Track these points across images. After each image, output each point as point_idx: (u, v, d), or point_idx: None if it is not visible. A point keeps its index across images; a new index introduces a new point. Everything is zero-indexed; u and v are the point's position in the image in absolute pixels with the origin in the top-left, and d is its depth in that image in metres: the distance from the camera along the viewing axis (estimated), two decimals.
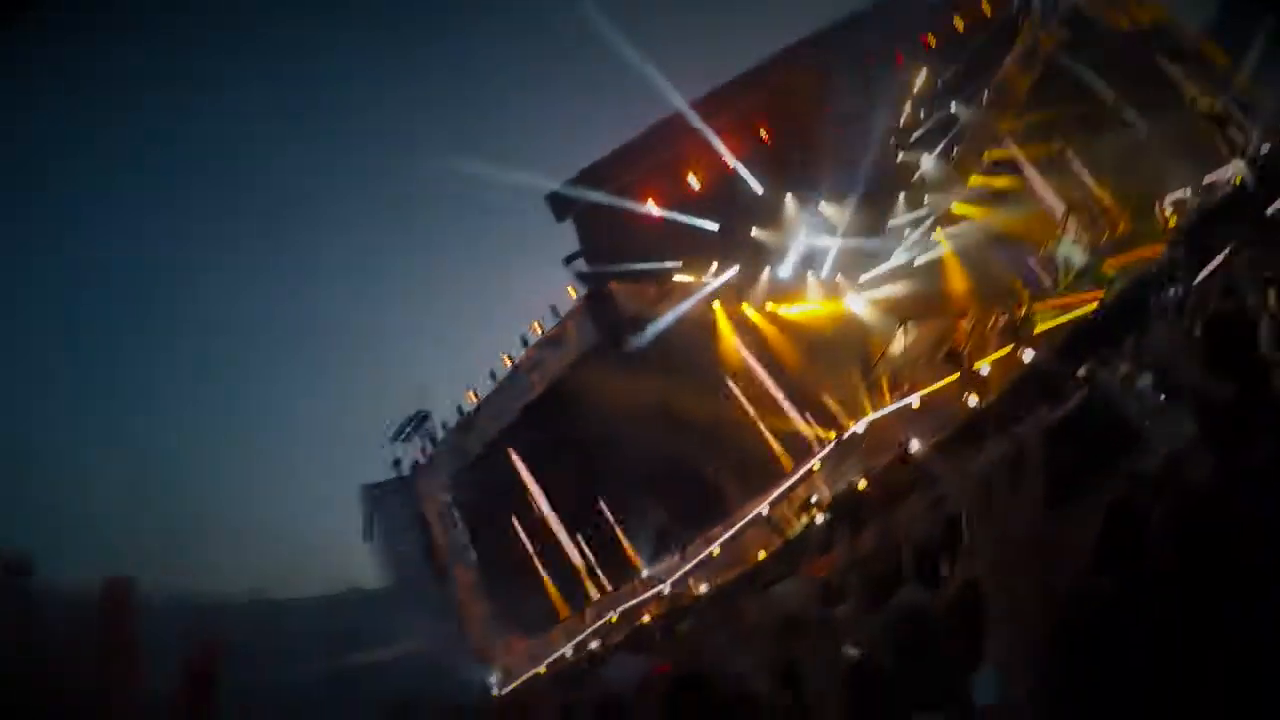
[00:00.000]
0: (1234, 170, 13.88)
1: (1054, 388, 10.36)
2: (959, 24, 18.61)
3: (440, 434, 21.96)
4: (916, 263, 19.20)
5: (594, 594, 18.57)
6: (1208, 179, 15.71)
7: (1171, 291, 10.67)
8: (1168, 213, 16.27)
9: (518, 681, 17.51)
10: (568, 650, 17.70)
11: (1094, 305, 14.50)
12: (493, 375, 20.33)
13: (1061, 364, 12.03)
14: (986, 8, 19.02)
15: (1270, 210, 9.45)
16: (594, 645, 17.15)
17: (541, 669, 17.51)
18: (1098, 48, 18.42)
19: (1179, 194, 16.20)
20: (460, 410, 21.18)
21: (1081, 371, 9.85)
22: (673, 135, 17.97)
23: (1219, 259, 8.82)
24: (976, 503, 0.78)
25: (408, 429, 23.54)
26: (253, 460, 26.87)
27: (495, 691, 17.65)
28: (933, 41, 18.56)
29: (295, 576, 21.72)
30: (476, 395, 20.69)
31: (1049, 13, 19.02)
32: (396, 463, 22.68)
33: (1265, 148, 13.69)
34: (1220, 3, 17.46)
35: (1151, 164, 17.44)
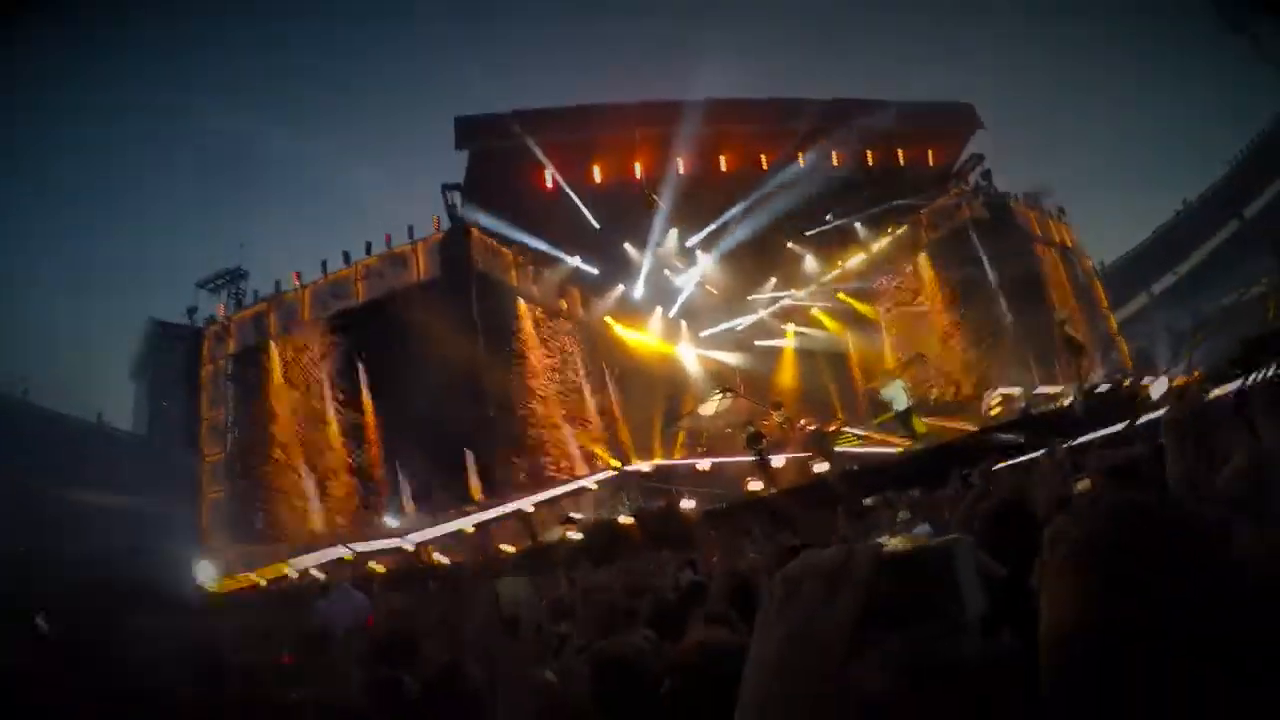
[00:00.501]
0: (1070, 393, 14.90)
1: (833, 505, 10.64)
2: (899, 156, 19.18)
3: (249, 299, 20.45)
4: (758, 342, 19.60)
5: (343, 522, 17.51)
6: (1040, 389, 16.93)
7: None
8: (994, 401, 17.33)
9: (231, 583, 16.47)
10: (293, 571, 16.72)
11: (898, 449, 15.33)
12: (324, 266, 19.08)
13: (849, 488, 12.35)
14: (931, 155, 19.69)
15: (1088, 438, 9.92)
16: (320, 575, 16.19)
17: (261, 580, 16.48)
18: (1005, 237, 19.54)
19: (1012, 390, 17.30)
20: (278, 285, 19.77)
21: (868, 501, 10.19)
22: (609, 123, 17.68)
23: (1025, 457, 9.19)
24: (778, 595, 0.72)
25: (219, 281, 21.97)
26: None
27: (202, 585, 16.42)
28: (870, 159, 19.01)
29: (51, 387, 19.78)
30: (299, 279, 19.35)
31: (980, 189, 20.04)
32: (192, 311, 21.00)
33: (1105, 386, 14.79)
34: None
35: (1000, 353, 18.67)
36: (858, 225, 20.08)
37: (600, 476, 16.37)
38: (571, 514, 15.92)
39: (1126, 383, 14.84)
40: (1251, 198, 34.52)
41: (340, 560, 16.35)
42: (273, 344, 19.03)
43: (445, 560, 15.78)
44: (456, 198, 17.87)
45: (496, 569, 14.13)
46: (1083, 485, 4.20)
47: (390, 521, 17.28)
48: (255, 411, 18.83)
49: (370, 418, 17.97)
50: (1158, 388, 13.20)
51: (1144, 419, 10.48)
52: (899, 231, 20.22)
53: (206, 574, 16.72)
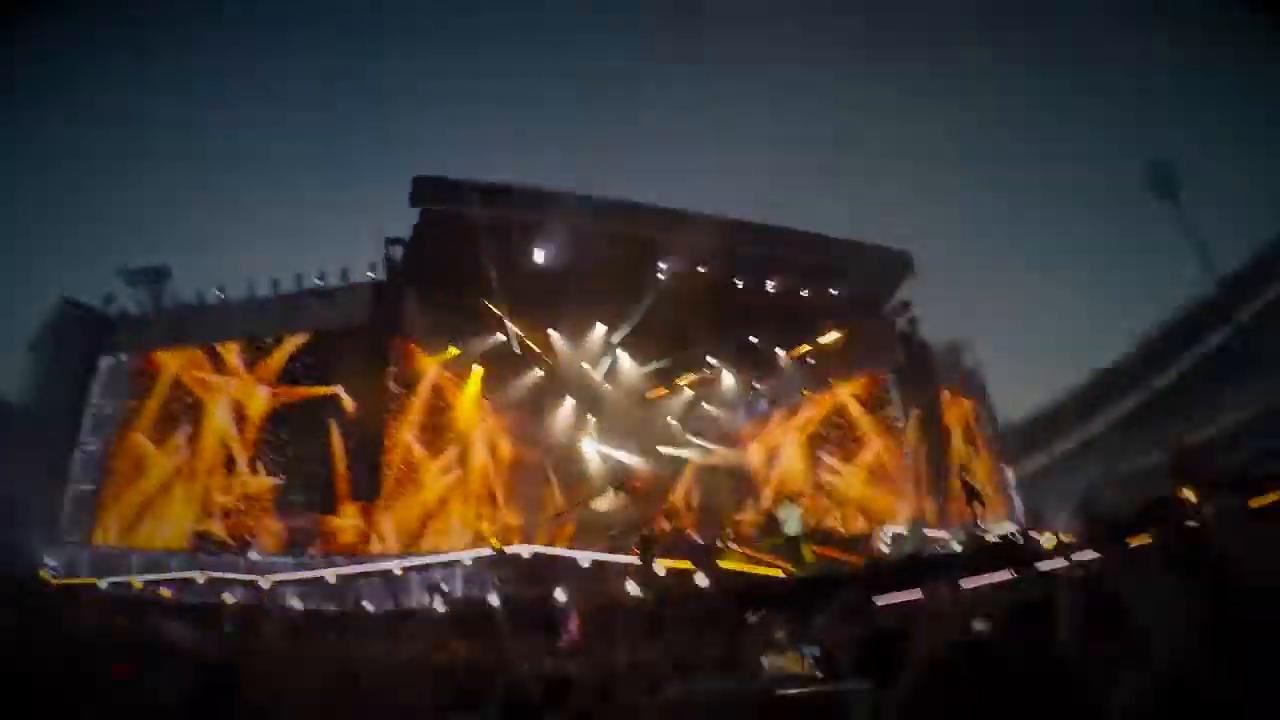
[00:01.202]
0: (960, 537, 15.46)
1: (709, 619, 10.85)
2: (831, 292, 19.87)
3: (167, 302, 20.02)
4: (660, 448, 19.87)
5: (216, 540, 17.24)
6: (930, 531, 17.52)
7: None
8: (884, 537, 17.81)
9: (77, 579, 16.01)
10: (140, 578, 16.17)
11: (779, 573, 15.45)
12: (250, 286, 18.85)
13: (727, 602, 12.52)
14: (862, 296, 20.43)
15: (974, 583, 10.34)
16: (165, 591, 15.66)
17: (104, 582, 15.84)
18: (920, 383, 20.30)
19: (903, 529, 17.84)
20: (199, 295, 19.43)
21: (751, 618, 10.36)
22: (561, 210, 17.96)
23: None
24: None
25: (142, 275, 21.43)
26: None
27: (50, 576, 16.05)
28: (803, 290, 19.64)
29: None
30: (223, 295, 19.07)
31: (903, 334, 20.82)
32: (109, 299, 20.43)
33: (996, 536, 15.32)
34: None
35: (899, 493, 19.32)
36: (778, 350, 20.67)
37: (477, 554, 16.31)
38: (442, 584, 15.81)
39: (1017, 535, 15.40)
40: (1158, 372, 36.52)
41: (191, 582, 15.95)
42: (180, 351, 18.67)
43: (299, 605, 15.55)
44: (397, 253, 17.92)
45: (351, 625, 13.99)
46: (981, 625, 4.43)
47: (253, 555, 16.94)
48: (145, 414, 18.36)
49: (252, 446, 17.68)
50: (1047, 542, 13.72)
51: (1035, 570, 11.02)
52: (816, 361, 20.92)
53: (56, 566, 16.27)
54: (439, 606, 14.85)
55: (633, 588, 15.09)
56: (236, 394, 18.21)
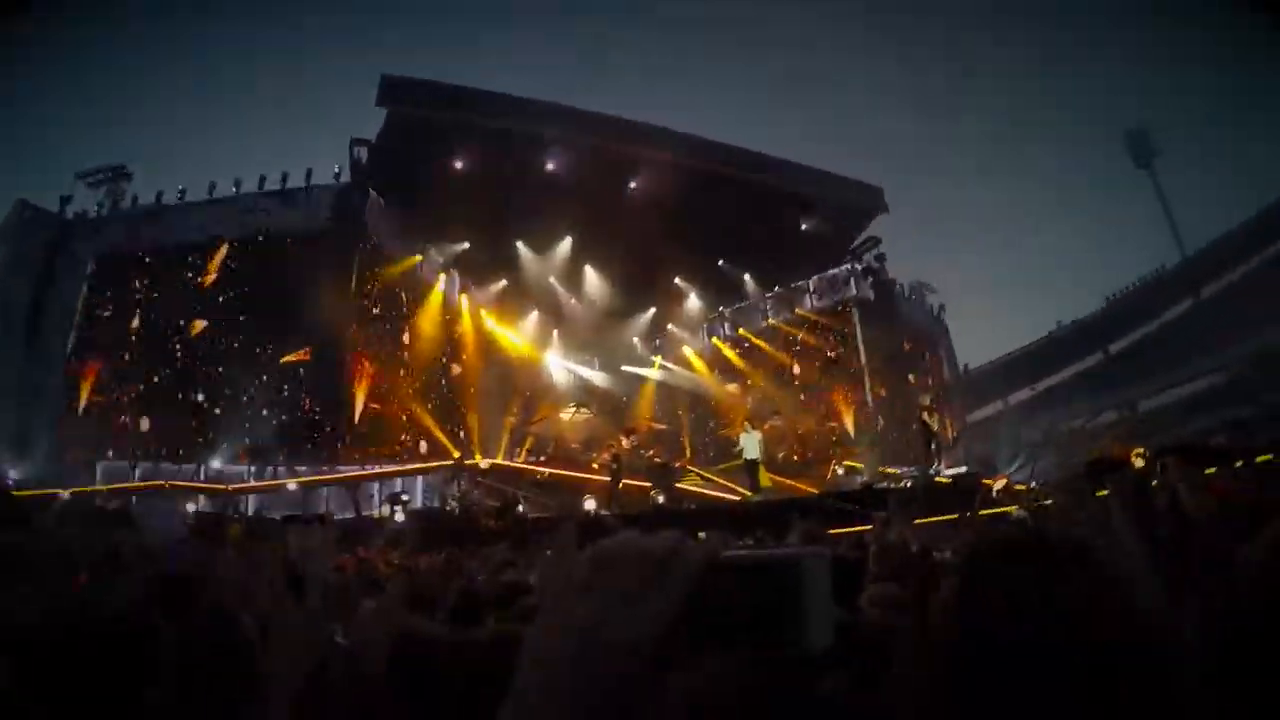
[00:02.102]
0: (913, 475, 15.71)
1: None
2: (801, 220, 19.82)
3: (127, 202, 19.50)
4: (624, 367, 19.87)
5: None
6: (885, 467, 17.77)
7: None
8: (839, 469, 18.04)
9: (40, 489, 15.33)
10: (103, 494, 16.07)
11: (738, 498, 15.72)
12: (211, 188, 18.41)
13: (683, 524, 12.62)
14: (833, 229, 20.42)
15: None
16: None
17: (66, 492, 15.76)
18: (884, 321, 20.42)
19: (858, 463, 18.08)
20: (159, 196, 18.94)
21: (702, 535, 10.49)
22: (529, 118, 17.68)
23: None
24: (580, 576, 0.58)
25: (100, 176, 20.87)
26: None
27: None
28: (774, 216, 19.57)
29: None
30: (184, 195, 18.62)
31: (871, 270, 20.88)
32: (66, 200, 19.85)
33: (948, 475, 15.57)
34: None
35: (856, 426, 19.53)
36: (746, 277, 20.69)
37: (436, 464, 16.30)
38: (401, 494, 15.83)
39: (969, 476, 15.67)
40: (1119, 335, 37.23)
41: (159, 489, 15.93)
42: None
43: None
44: (363, 154, 17.55)
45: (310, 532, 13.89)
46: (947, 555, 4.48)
47: (216, 464, 16.80)
48: (109, 321, 18.00)
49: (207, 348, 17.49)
50: (997, 486, 13.99)
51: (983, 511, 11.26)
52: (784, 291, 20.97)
53: (15, 481, 16.05)
54: (399, 516, 14.84)
55: (589, 502, 15.22)
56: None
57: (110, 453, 16.70)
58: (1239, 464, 7.35)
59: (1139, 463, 9.82)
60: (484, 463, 16.72)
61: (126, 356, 17.56)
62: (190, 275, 17.94)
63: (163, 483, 16.27)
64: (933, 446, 16.88)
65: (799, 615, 0.58)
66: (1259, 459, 7.59)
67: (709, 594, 0.58)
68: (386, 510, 15.24)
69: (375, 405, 17.16)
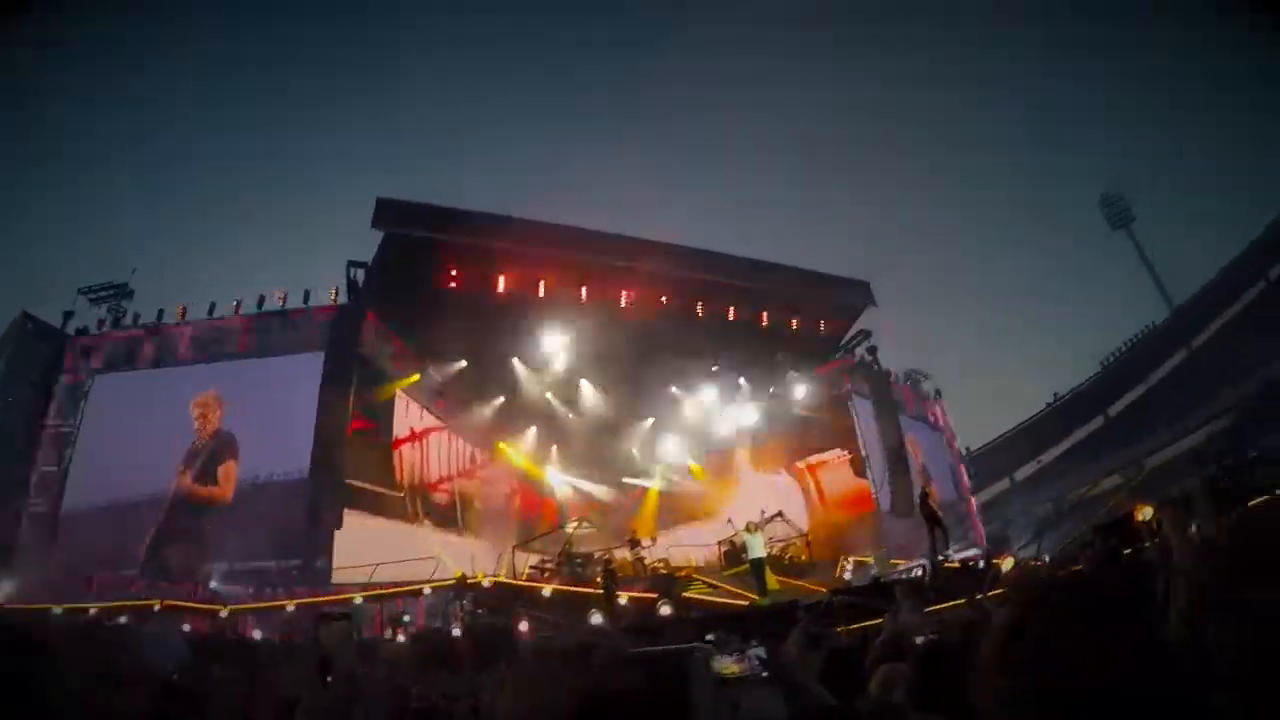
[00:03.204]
0: (922, 564, 15.64)
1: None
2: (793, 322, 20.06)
3: (129, 321, 19.80)
4: (625, 479, 19.87)
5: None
6: (893, 559, 17.66)
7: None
8: (848, 566, 17.91)
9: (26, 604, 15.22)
10: (94, 607, 15.91)
11: (746, 603, 15.39)
12: (211, 309, 18.71)
13: (691, 633, 12.49)
14: (823, 325, 20.66)
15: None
16: (122, 618, 15.37)
17: (59, 609, 15.65)
18: (881, 412, 20.50)
19: (866, 557, 17.97)
20: (160, 315, 19.23)
21: (709, 638, 10.38)
22: (522, 236, 17.97)
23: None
24: (521, 666, 0.76)
25: (102, 293, 21.25)
26: None
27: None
28: (765, 319, 19.81)
29: None
30: (184, 314, 18.89)
31: (864, 363, 21.06)
32: (69, 316, 20.17)
33: (957, 560, 15.53)
34: None
35: (860, 520, 19.46)
36: (741, 380, 20.85)
37: (436, 583, 16.20)
38: (404, 616, 15.66)
39: (978, 560, 15.59)
40: (1118, 396, 37.33)
41: (149, 611, 15.84)
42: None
43: (258, 635, 15.32)
44: (359, 275, 17.83)
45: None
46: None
47: (214, 585, 16.68)
48: (105, 437, 18.06)
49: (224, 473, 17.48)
50: (1008, 565, 13.90)
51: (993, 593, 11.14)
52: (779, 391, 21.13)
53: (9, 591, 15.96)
54: (400, 637, 14.68)
55: (596, 618, 15.07)
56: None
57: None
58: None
59: (1143, 517, 9.75)
60: (487, 581, 16.57)
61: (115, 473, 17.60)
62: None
63: (155, 602, 16.12)
64: (938, 532, 16.86)
65: (687, 700, 0.70)
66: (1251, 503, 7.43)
67: (618, 682, 0.70)
68: (388, 633, 15.10)
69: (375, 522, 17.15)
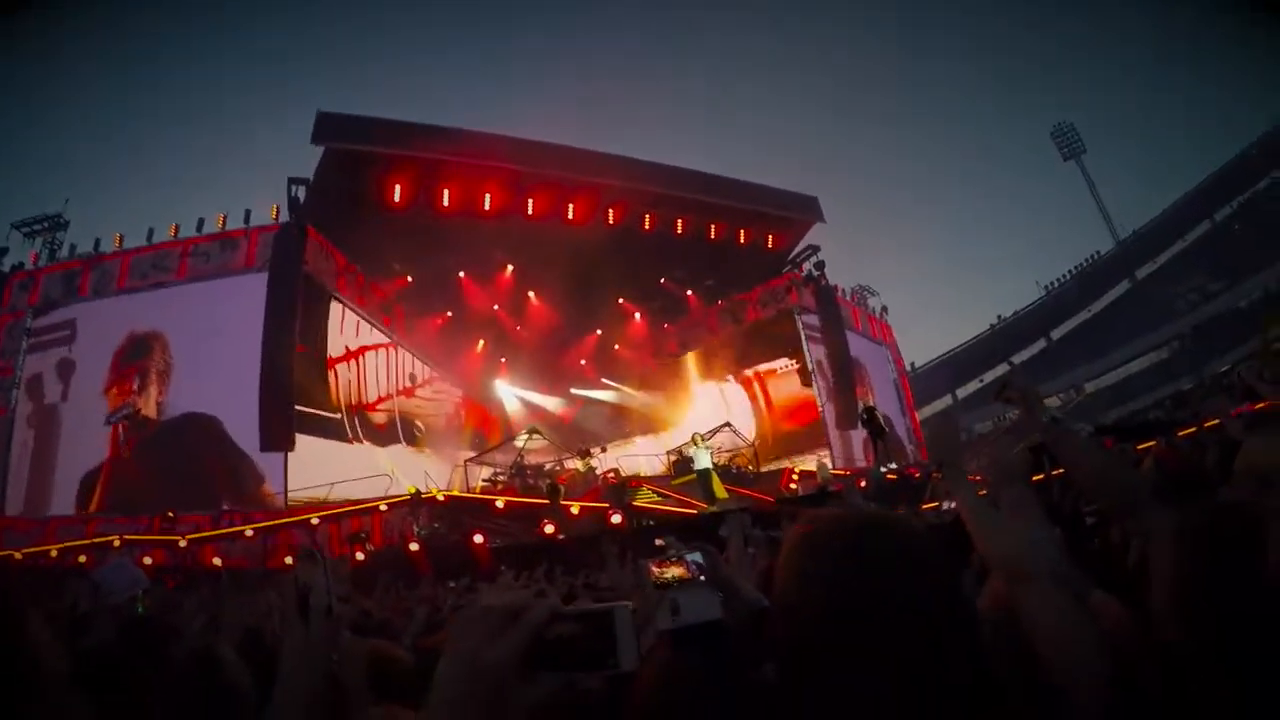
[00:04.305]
0: (861, 477, 16.13)
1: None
2: (741, 234, 20.20)
3: (65, 253, 19.34)
4: (573, 390, 20.08)
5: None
6: (835, 470, 18.15)
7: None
8: (794, 476, 18.39)
9: None
10: (53, 549, 15.77)
11: (691, 510, 15.88)
12: (150, 235, 18.32)
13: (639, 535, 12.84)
14: (771, 239, 20.85)
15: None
16: (82, 559, 15.27)
17: (17, 554, 15.46)
18: (828, 326, 20.86)
19: (811, 467, 18.45)
20: (97, 244, 18.78)
21: (659, 542, 10.64)
22: (465, 149, 17.80)
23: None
24: (457, 627, 0.85)
25: (37, 226, 20.71)
26: None
27: None
28: (713, 232, 19.92)
29: None
30: (121, 242, 18.47)
31: (811, 278, 21.36)
32: (2, 252, 19.65)
33: (897, 472, 16.03)
34: None
35: (805, 431, 19.92)
36: (689, 293, 21.07)
37: (392, 499, 16.32)
38: (361, 534, 15.78)
39: (917, 472, 16.13)
40: (1061, 320, 38.38)
41: (109, 546, 15.77)
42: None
43: (219, 562, 15.33)
44: (301, 192, 17.51)
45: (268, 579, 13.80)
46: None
47: (170, 515, 16.62)
48: (56, 362, 17.78)
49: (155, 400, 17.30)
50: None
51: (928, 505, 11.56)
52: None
53: None
54: (360, 555, 14.81)
55: (549, 527, 15.36)
56: None
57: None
58: (1185, 433, 7.69)
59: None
60: (441, 495, 16.75)
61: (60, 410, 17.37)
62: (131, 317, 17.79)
63: (115, 537, 16.05)
64: (881, 445, 17.37)
65: (613, 647, 0.84)
66: (1180, 433, 7.76)
67: (554, 634, 0.84)
68: (347, 551, 15.21)
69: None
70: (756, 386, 21.68)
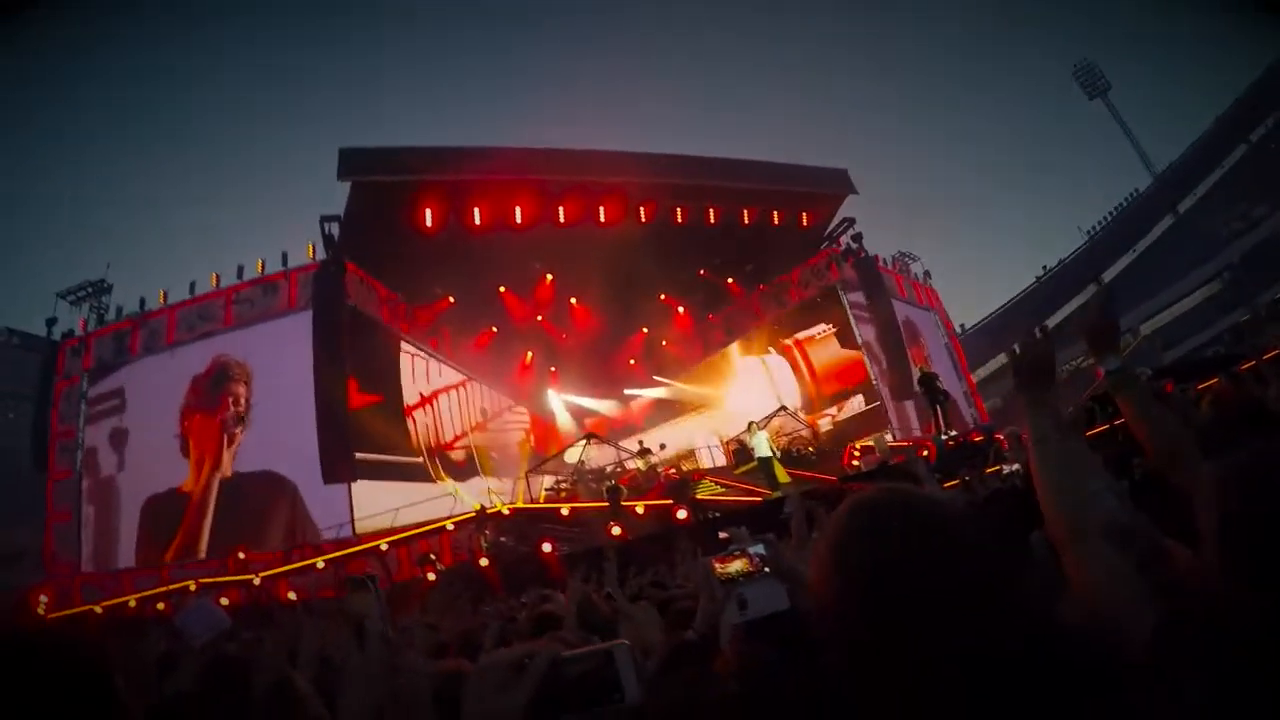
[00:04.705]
0: (923, 446, 15.83)
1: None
2: (774, 216, 19.92)
3: (112, 315, 19.74)
4: (626, 390, 19.98)
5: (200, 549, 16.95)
6: (897, 441, 17.84)
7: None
8: (856, 453, 18.10)
9: (69, 609, 15.59)
10: (132, 599, 16.12)
11: (755, 498, 15.66)
12: (192, 287, 18.61)
13: (704, 529, 12.73)
14: (805, 217, 20.54)
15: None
16: (160, 605, 15.59)
17: (97, 608, 15.81)
18: (873, 298, 20.53)
19: (870, 441, 18.17)
20: (142, 303, 19.14)
21: (723, 535, 10.53)
22: (491, 165, 17.82)
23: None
24: (473, 684, 0.89)
25: (81, 293, 21.20)
26: None
27: (40, 609, 15.52)
28: (745, 217, 19.67)
29: None
30: (166, 298, 18.79)
31: (850, 251, 21.03)
32: (52, 322, 20.14)
33: (959, 438, 15.72)
34: None
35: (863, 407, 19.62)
36: (730, 281, 20.82)
37: (459, 518, 16.38)
38: (430, 555, 15.87)
39: (979, 436, 15.77)
40: (1107, 264, 37.39)
41: (186, 591, 16.05)
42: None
43: (294, 596, 15.50)
44: (334, 228, 17.67)
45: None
46: None
47: (240, 555, 16.88)
48: (109, 433, 18.12)
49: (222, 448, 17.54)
50: (1011, 439, 14.06)
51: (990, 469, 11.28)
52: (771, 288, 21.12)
53: (43, 602, 16.18)
54: (430, 575, 14.88)
55: (615, 529, 15.30)
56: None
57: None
58: (1245, 367, 7.38)
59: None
60: (506, 509, 16.77)
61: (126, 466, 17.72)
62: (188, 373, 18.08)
63: (190, 581, 16.33)
64: (939, 411, 17.00)
65: (617, 682, 0.86)
66: (1241, 368, 7.43)
67: (561, 678, 0.87)
68: (419, 573, 15.30)
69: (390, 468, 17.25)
70: (797, 354, 21.55)
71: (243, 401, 17.51)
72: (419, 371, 19.01)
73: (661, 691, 1.43)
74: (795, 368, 21.76)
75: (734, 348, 22.68)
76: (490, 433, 20.77)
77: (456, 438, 19.10)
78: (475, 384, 20.93)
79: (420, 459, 18.19)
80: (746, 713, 1.33)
